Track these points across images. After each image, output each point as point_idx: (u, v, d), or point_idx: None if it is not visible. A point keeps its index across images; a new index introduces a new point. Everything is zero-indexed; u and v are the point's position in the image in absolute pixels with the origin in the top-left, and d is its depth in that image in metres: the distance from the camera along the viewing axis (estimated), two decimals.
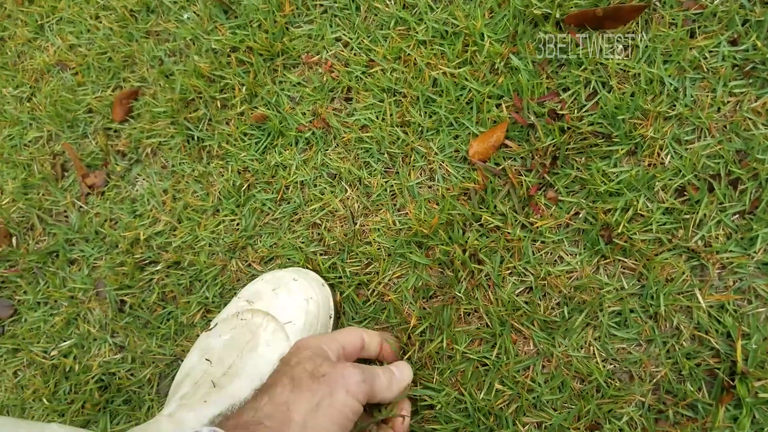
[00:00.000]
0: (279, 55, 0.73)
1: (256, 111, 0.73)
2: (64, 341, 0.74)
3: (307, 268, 0.67)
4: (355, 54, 0.71)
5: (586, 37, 0.61)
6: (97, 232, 0.76)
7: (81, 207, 0.79)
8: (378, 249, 0.65)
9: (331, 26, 0.72)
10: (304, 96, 0.72)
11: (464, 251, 0.62)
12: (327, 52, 0.72)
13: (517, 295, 0.60)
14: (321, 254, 0.67)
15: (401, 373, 0.53)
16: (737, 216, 0.55)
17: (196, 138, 0.75)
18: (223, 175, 0.73)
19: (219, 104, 0.75)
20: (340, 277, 0.66)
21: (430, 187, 0.66)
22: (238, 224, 0.71)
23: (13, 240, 0.80)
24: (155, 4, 0.81)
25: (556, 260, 0.60)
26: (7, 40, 0.91)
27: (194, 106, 0.76)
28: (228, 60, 0.75)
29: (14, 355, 0.76)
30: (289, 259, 0.68)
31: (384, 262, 0.65)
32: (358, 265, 0.66)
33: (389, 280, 0.64)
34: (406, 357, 0.61)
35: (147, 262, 0.73)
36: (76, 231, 0.78)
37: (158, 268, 0.72)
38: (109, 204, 0.77)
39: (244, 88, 0.73)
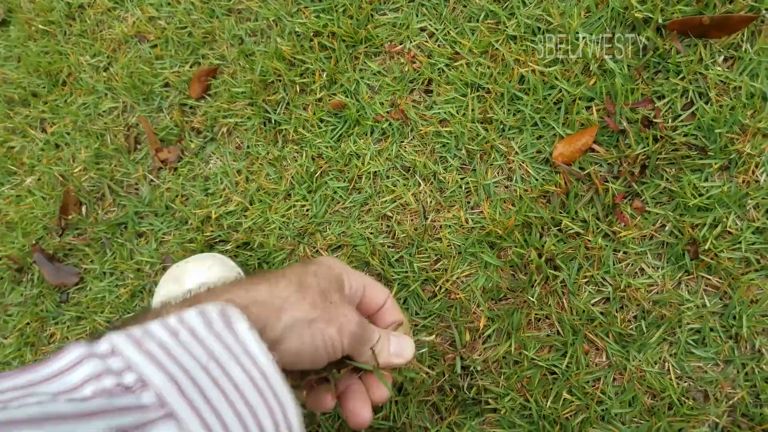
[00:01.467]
0: (362, 43, 0.85)
1: (334, 98, 0.85)
2: (129, 313, 0.89)
3: (373, 259, 0.78)
4: (439, 45, 0.82)
5: (687, 45, 0.70)
6: (168, 207, 0.91)
7: (152, 181, 0.93)
8: (448, 246, 0.76)
9: (417, 15, 0.83)
10: (383, 86, 0.84)
11: (540, 255, 0.71)
12: (411, 42, 0.83)
13: (593, 305, 0.69)
14: (389, 246, 0.79)
15: (399, 347, 0.52)
16: None
17: (273, 121, 0.88)
18: (297, 160, 0.85)
19: (298, 89, 0.87)
20: (407, 272, 0.77)
21: (507, 187, 0.76)
22: (308, 210, 0.83)
23: (83, 209, 0.96)
24: None
25: (637, 272, 0.69)
26: (86, 7, 1.07)
27: (273, 89, 0.89)
28: (310, 44, 0.87)
29: (77, 322, 0.92)
30: (355, 248, 0.80)
31: (454, 259, 0.75)
32: (426, 261, 0.77)
33: (458, 278, 0.75)
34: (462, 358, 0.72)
35: (217, 240, 0.87)
36: (146, 204, 0.92)
37: (228, 247, 0.85)
38: (182, 180, 0.91)
39: (325, 74, 0.86)
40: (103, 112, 0.99)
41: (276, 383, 0.37)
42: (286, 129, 0.87)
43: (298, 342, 0.42)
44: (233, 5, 0.94)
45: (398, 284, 0.76)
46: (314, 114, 0.85)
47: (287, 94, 0.87)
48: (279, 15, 0.90)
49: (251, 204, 0.86)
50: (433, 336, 0.74)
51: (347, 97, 0.84)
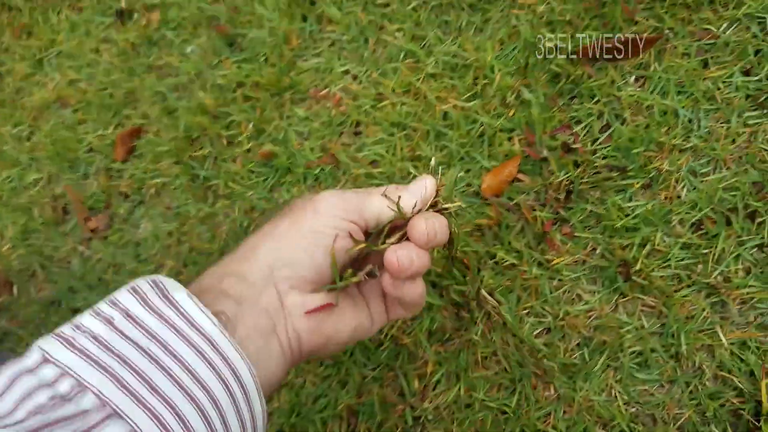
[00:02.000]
0: (286, 90, 0.90)
1: (263, 148, 0.89)
2: None
3: None
4: (363, 87, 0.87)
5: (598, 69, 0.75)
6: (101, 279, 0.93)
7: (83, 252, 0.96)
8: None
9: (339, 59, 0.88)
10: (312, 131, 0.88)
11: (478, 291, 0.75)
12: (335, 86, 0.88)
13: (535, 337, 0.73)
14: None
15: (419, 183, 0.48)
16: (756, 249, 0.68)
17: (201, 177, 0.91)
18: (229, 216, 0.89)
19: (225, 142, 0.91)
20: None
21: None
22: None
23: (14, 289, 0.98)
24: (158, 38, 0.99)
25: (574, 299, 0.73)
26: (5, 75, 1.10)
27: (199, 144, 0.93)
28: (234, 96, 0.92)
29: None
30: None
31: None
32: None
33: (403, 323, 0.78)
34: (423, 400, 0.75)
35: None
36: (78, 278, 0.94)
37: None
38: (113, 248, 0.94)
39: (251, 124, 0.90)
40: (29, 184, 1.02)
41: (225, 347, 0.36)
42: (215, 184, 0.90)
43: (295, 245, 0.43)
44: (153, 62, 0.98)
45: None
46: (243, 166, 0.89)
47: (214, 149, 0.91)
48: (200, 68, 0.94)
49: (185, 266, 0.88)
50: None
51: (276, 146, 0.88)
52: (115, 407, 0.31)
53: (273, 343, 0.42)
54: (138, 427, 0.31)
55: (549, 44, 0.75)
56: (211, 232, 0.88)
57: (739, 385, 0.65)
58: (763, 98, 0.69)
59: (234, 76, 0.91)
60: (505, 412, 0.72)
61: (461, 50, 0.81)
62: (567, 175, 0.73)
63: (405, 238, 0.46)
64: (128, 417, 0.31)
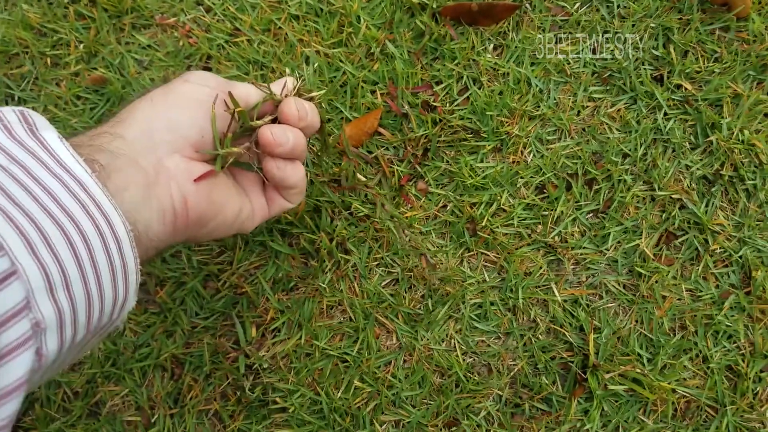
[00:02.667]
0: (127, 13, 0.87)
1: (94, 72, 0.86)
2: None
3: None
4: (218, 21, 0.87)
5: (461, 33, 0.83)
6: None
7: None
8: (234, 237, 0.81)
9: None
10: (154, 61, 0.86)
11: (331, 240, 0.79)
12: (186, 15, 0.87)
13: (383, 287, 0.78)
14: None
15: (279, 81, 0.55)
16: (591, 214, 0.79)
17: (16, 99, 0.86)
18: None
19: (49, 61, 0.86)
20: (184, 268, 0.80)
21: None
22: None
23: None
24: None
25: (423, 254, 0.80)
26: None
27: (18, 62, 0.87)
28: (65, 12, 0.87)
29: None
30: None
31: (240, 251, 0.80)
32: (207, 254, 0.80)
33: (245, 270, 0.80)
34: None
35: None
36: None
37: None
38: None
39: (82, 45, 0.86)
40: None
41: (96, 194, 0.36)
42: (34, 107, 0.85)
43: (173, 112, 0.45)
44: None
45: (174, 282, 0.79)
46: (69, 90, 0.85)
47: (36, 68, 0.86)
48: None
49: None
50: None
51: (110, 71, 0.85)
52: None
53: (153, 199, 0.43)
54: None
55: (415, 0, 0.82)
56: None
57: (570, 339, 0.75)
58: (607, 75, 0.81)
59: None
60: (345, 361, 0.76)
61: None
62: (425, 133, 0.80)
63: (276, 121, 0.53)
64: None
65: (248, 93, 0.52)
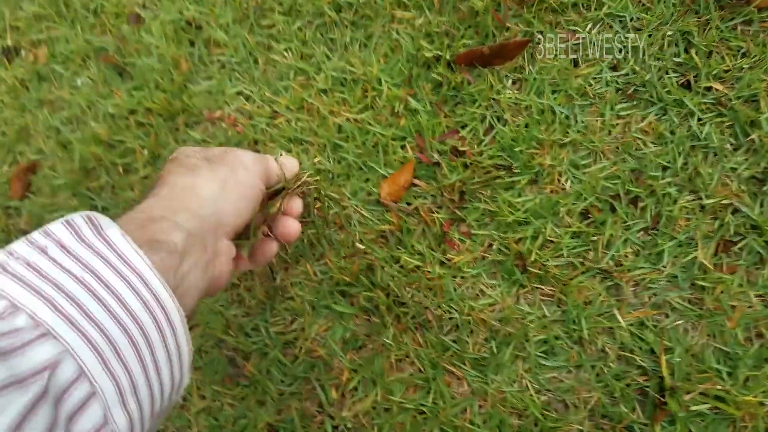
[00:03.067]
0: (180, 114, 0.61)
1: (160, 173, 0.60)
2: None
3: (228, 334, 0.54)
4: (257, 107, 0.59)
5: (477, 75, 0.53)
6: None
7: None
8: (301, 303, 0.53)
9: (231, 81, 0.60)
10: None
11: (387, 295, 0.51)
12: (229, 106, 0.60)
13: (445, 335, 0.50)
14: (243, 316, 0.55)
15: (288, 161, 0.41)
16: (642, 233, 0.48)
17: (99, 208, 0.60)
18: None
19: (121, 170, 0.60)
20: (264, 340, 0.53)
21: (348, 231, 0.55)
22: None
23: None
24: (47, 72, 0.66)
25: (477, 294, 0.50)
26: None
27: (95, 175, 0.61)
28: (127, 123, 0.61)
29: None
30: (208, 325, 0.55)
31: (309, 316, 0.53)
32: (282, 324, 0.54)
33: (316, 335, 0.53)
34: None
35: None
36: None
37: None
38: None
39: (146, 150, 0.60)
40: None
41: (155, 285, 0.25)
42: (115, 213, 0.59)
43: (232, 205, 0.32)
44: (44, 97, 0.65)
45: (258, 354, 0.52)
46: (142, 192, 0.59)
47: (111, 178, 0.60)
48: (91, 100, 0.63)
49: None
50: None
51: None
52: (49, 328, 0.21)
53: (204, 281, 0.29)
54: (71, 347, 0.21)
55: (429, 54, 0.52)
56: None
57: (642, 363, 0.45)
58: (631, 90, 0.49)
59: (126, 104, 0.60)
60: (422, 412, 0.48)
61: (349, 65, 0.56)
62: (459, 177, 0.50)
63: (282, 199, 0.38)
64: (61, 338, 0.21)
65: (274, 174, 0.38)
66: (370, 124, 0.55)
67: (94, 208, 0.61)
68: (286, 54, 0.59)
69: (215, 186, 0.32)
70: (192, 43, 0.61)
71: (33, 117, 0.65)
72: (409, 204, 0.53)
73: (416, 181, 0.53)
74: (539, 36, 0.52)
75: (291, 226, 0.38)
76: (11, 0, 0.69)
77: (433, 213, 0.52)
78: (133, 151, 0.60)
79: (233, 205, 0.33)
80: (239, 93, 0.60)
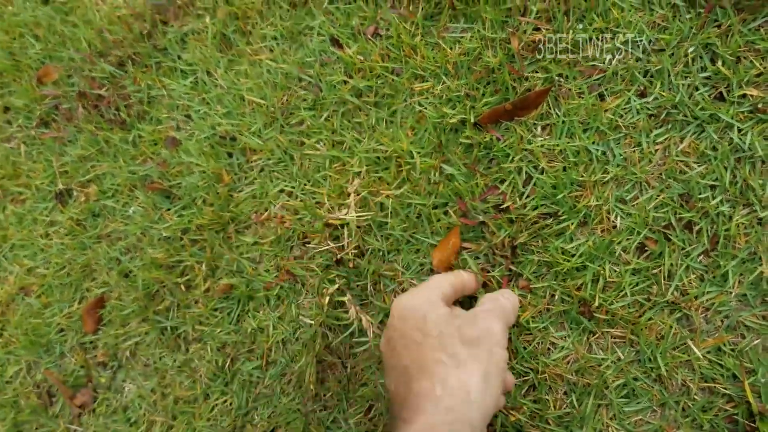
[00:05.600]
0: (229, 223, 0.90)
1: (220, 283, 0.88)
2: None
3: (311, 431, 0.78)
4: (300, 200, 0.87)
5: (505, 130, 0.77)
6: None
7: (75, 430, 0.92)
8: (375, 388, 0.77)
9: (271, 181, 0.89)
10: (263, 253, 0.87)
11: None
12: (274, 206, 0.88)
13: (523, 398, 0.71)
14: (321, 410, 0.79)
15: (512, 296, 0.62)
16: (702, 256, 0.67)
17: (169, 328, 0.90)
18: (204, 357, 0.87)
19: (183, 288, 0.90)
20: (344, 430, 0.77)
21: None
22: (231, 403, 0.84)
23: None
24: (99, 208, 0.99)
25: (549, 348, 0.71)
26: None
27: (160, 297, 0.91)
28: (182, 243, 0.91)
29: None
30: (288, 425, 0.80)
31: (384, 400, 0.76)
32: (360, 412, 0.77)
33: None
34: None
35: None
36: None
37: None
38: (102, 419, 0.90)
39: (204, 265, 0.89)
40: (9, 378, 0.99)
41: None
42: (184, 331, 0.88)
43: (494, 396, 0.48)
44: (100, 231, 0.98)
45: None
46: (206, 306, 0.87)
47: (175, 298, 0.90)
48: (144, 226, 0.94)
49: (174, 419, 0.85)
50: None
51: (232, 277, 0.87)
52: None
53: None
54: None
55: (454, 120, 0.77)
56: (191, 378, 0.86)
57: (726, 391, 0.63)
58: (664, 114, 0.70)
59: (177, 225, 0.91)
60: None
61: (379, 144, 0.82)
62: (507, 233, 0.73)
63: None
64: None
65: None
66: (409, 196, 0.80)
67: (164, 329, 0.90)
68: (318, 146, 0.86)
69: (481, 381, 0.44)
70: (230, 155, 0.91)
71: (93, 252, 0.98)
72: (463, 268, 0.76)
73: (465, 244, 0.76)
74: (559, 78, 0.76)
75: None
76: (55, 147, 1.05)
77: (489, 272, 0.75)
78: (192, 268, 0.90)
79: (496, 394, 0.45)
80: (281, 191, 0.88)
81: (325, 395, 0.78)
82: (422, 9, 0.82)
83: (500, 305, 0.57)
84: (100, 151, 0.99)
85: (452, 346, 0.48)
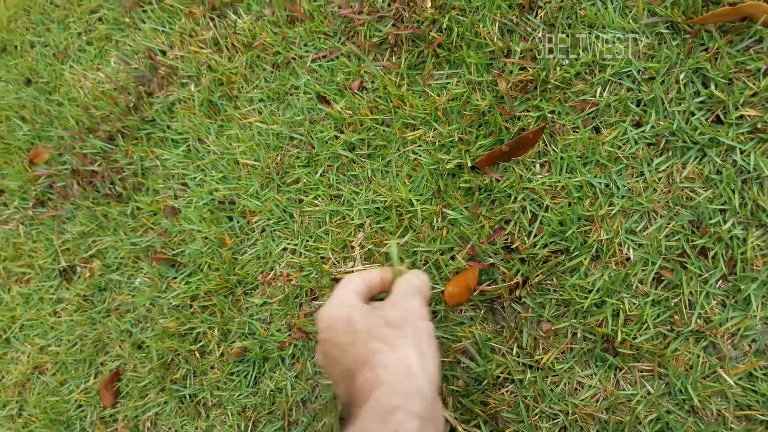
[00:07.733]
0: (237, 286, 0.79)
1: (233, 347, 0.77)
2: None
3: None
4: (304, 257, 0.76)
5: (504, 171, 0.67)
6: None
7: None
8: None
9: (274, 241, 0.78)
10: (273, 313, 0.77)
11: (487, 412, 0.63)
12: (279, 264, 0.78)
13: None
14: None
15: (421, 274, 0.56)
16: (721, 282, 0.58)
17: (188, 396, 0.78)
18: (226, 423, 0.75)
19: (198, 354, 0.79)
20: None
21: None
22: None
23: None
24: (104, 282, 0.87)
25: (576, 388, 0.62)
26: None
27: (176, 366, 0.80)
28: (192, 310, 0.80)
29: None
30: None
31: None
32: None
33: None
34: None
35: None
36: None
37: None
38: None
39: (216, 330, 0.78)
40: None
41: None
42: (203, 398, 0.77)
43: (434, 364, 0.45)
44: (108, 305, 0.86)
45: None
46: (222, 371, 0.76)
47: (190, 365, 0.78)
48: (152, 297, 0.83)
49: None
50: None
51: (245, 340, 0.76)
52: None
53: None
54: None
55: (450, 165, 0.67)
56: None
57: (764, 417, 0.54)
58: (663, 142, 0.61)
59: (186, 293, 0.79)
60: None
61: (377, 195, 0.72)
62: (519, 273, 0.63)
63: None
64: None
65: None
66: (414, 244, 0.70)
67: (183, 397, 0.79)
68: (316, 202, 0.76)
69: (417, 355, 0.43)
70: (230, 218, 0.80)
71: (104, 326, 0.86)
72: (478, 308, 0.66)
73: (481, 288, 0.66)
74: (552, 116, 0.66)
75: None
76: (54, 225, 0.93)
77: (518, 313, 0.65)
78: (204, 334, 0.79)
79: (435, 364, 0.43)
80: (285, 249, 0.78)
81: None
82: (405, 59, 0.73)
83: (413, 285, 0.53)
84: (100, 226, 0.88)
85: (382, 333, 0.46)
